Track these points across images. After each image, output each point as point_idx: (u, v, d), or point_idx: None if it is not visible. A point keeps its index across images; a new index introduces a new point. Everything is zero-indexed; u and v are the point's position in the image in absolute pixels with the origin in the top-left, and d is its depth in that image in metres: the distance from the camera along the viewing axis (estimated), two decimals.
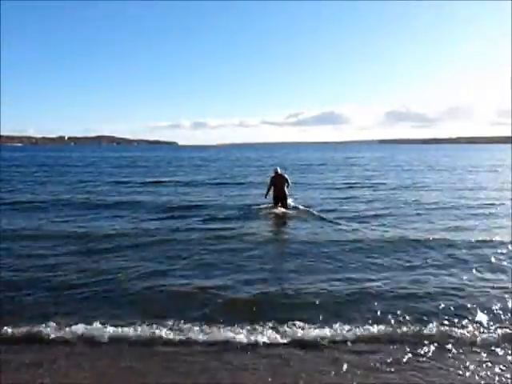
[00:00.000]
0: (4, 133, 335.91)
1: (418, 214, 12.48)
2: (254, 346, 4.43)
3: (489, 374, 3.94)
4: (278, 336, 4.60)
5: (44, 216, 12.11)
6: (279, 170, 12.62)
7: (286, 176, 12.50)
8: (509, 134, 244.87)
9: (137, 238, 9.25)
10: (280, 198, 12.31)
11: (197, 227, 10.57)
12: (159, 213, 12.72)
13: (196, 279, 6.52)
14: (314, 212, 12.30)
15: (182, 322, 4.92)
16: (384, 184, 21.56)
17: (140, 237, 9.42)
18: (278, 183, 12.29)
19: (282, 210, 12.19)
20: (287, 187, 12.45)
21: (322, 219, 11.42)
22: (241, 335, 4.61)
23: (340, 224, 10.87)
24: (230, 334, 4.62)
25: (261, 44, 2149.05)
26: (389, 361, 4.14)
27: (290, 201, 12.76)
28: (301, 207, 12.80)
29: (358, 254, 7.91)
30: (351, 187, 20.34)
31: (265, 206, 12.73)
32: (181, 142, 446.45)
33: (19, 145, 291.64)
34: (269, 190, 12.57)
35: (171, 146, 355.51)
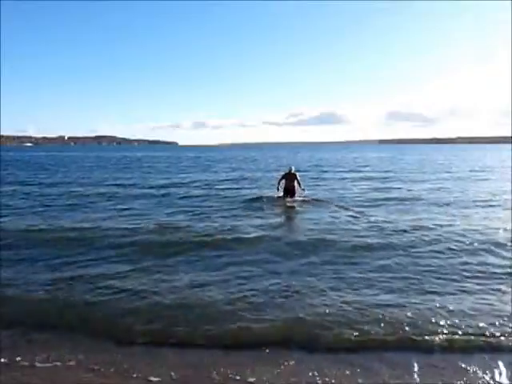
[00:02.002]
0: (4, 133, 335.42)
1: None
2: None
3: None
4: None
5: None
6: (293, 169, 14.53)
7: (298, 176, 14.39)
8: (509, 134, 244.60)
9: None
10: (289, 191, 14.16)
11: None
12: None
13: None
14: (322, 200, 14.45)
15: None
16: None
17: None
18: (289, 178, 14.28)
19: (290, 199, 14.15)
20: (299, 186, 14.25)
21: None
22: None
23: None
24: None
25: (261, 44, 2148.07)
26: None
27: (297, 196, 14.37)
28: (307, 198, 14.52)
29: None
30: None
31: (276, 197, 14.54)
32: (181, 142, 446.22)
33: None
34: (279, 182, 14.43)
35: (171, 145, 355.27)
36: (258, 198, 14.73)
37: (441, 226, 10.16)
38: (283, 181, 14.33)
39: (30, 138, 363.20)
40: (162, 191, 17.48)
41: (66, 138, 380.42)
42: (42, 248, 8.09)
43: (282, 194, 14.32)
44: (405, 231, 9.54)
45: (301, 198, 14.18)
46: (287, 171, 14.43)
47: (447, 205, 13.91)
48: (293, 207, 13.38)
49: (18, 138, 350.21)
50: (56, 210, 12.71)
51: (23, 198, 15.14)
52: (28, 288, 5.95)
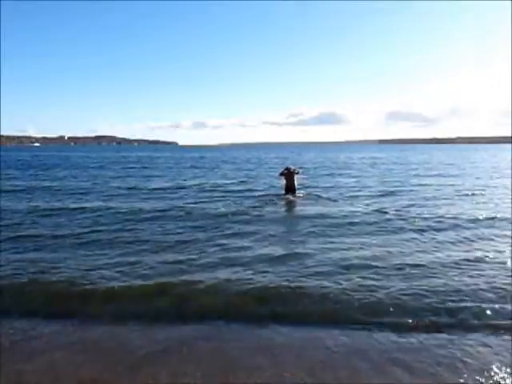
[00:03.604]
0: (4, 133, 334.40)
1: None
2: None
3: None
4: None
5: None
6: (291, 168, 15.61)
7: (294, 169, 15.50)
8: (509, 134, 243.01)
9: None
10: (290, 189, 15.25)
11: None
12: None
13: None
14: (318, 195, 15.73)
15: None
16: None
17: None
18: (289, 178, 15.36)
19: (291, 197, 15.14)
20: (297, 174, 15.41)
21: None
22: None
23: None
24: None
25: (261, 44, 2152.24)
26: None
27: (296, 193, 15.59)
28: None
29: None
30: None
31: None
32: (181, 142, 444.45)
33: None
34: (282, 175, 15.61)
35: (171, 145, 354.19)
36: (260, 206, 13.61)
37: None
38: (284, 181, 15.52)
39: (30, 137, 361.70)
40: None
41: (66, 138, 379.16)
42: None
43: (283, 192, 15.48)
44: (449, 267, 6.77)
45: (302, 195, 15.38)
46: (286, 171, 15.41)
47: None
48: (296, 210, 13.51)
49: (18, 137, 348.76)
50: None
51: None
52: None
